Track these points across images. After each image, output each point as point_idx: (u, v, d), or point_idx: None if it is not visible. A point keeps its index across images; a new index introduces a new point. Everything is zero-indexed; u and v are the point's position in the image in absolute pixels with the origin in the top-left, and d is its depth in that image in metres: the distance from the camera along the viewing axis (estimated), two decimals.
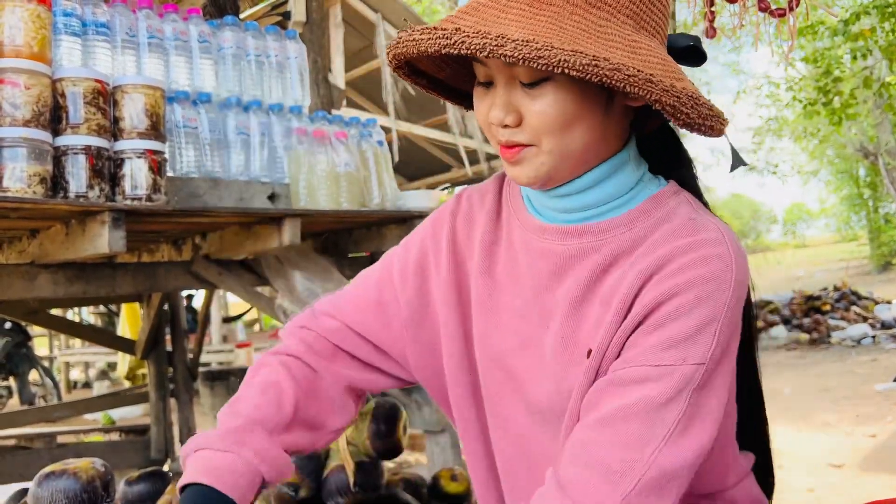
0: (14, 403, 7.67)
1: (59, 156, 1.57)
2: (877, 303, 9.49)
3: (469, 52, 0.69)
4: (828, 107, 7.05)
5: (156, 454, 3.64)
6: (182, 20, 1.99)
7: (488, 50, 0.67)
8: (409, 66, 0.84)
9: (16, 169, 1.49)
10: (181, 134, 1.89)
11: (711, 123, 0.74)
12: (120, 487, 1.26)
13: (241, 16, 4.16)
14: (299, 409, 0.90)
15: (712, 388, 0.75)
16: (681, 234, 0.77)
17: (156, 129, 1.70)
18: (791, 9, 1.38)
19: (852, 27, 5.97)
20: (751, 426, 0.95)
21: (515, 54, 0.66)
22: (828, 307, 9.20)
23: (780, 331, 8.90)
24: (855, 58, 6.32)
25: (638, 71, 0.68)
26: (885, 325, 8.57)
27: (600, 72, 0.66)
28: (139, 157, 1.66)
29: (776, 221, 46.95)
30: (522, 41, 0.67)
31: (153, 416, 3.66)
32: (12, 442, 4.02)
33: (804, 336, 8.63)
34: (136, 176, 1.66)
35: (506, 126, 0.77)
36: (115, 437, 4.71)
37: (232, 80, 2.08)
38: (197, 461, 0.81)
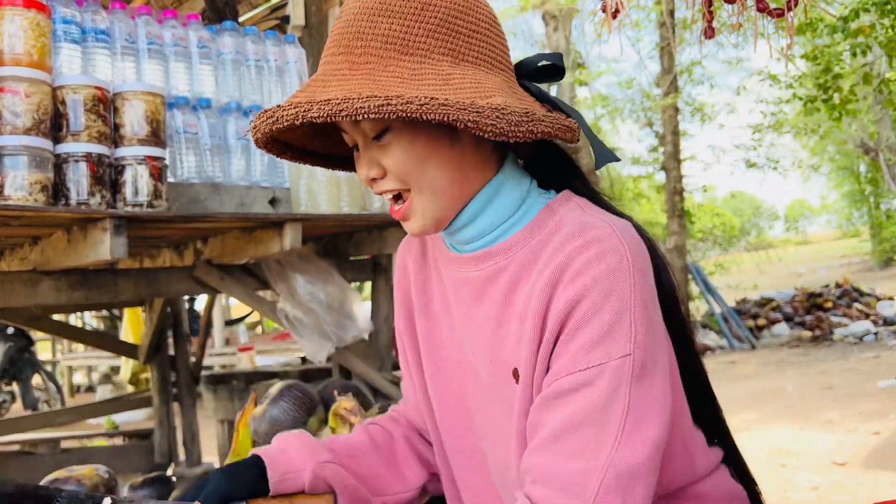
0: (17, 408, 7.67)
1: (60, 163, 1.58)
2: (879, 299, 9.48)
3: (287, 123, 0.74)
4: (827, 103, 7.04)
5: (159, 458, 3.64)
6: (181, 26, 1.99)
7: (300, 117, 0.73)
8: (296, 150, 0.91)
9: (17, 177, 1.49)
10: (181, 140, 1.89)
11: (532, 128, 0.75)
12: (124, 492, 1.27)
13: (240, 20, 4.16)
14: (363, 450, 1.01)
15: (651, 376, 0.75)
16: (573, 238, 0.79)
17: (156, 135, 1.71)
18: (789, 8, 1.38)
19: (852, 24, 5.96)
20: (703, 412, 0.95)
21: (321, 114, 0.71)
22: (830, 304, 9.19)
23: (782, 328, 8.90)
24: (854, 54, 6.30)
25: (431, 99, 0.71)
26: (887, 322, 8.56)
27: (394, 108, 0.70)
28: (140, 164, 1.67)
29: (778, 218, 46.92)
30: (325, 101, 0.72)
31: (156, 421, 3.66)
32: (16, 447, 4.03)
33: (806, 333, 8.63)
34: (137, 182, 1.66)
35: (374, 179, 0.84)
36: (118, 441, 4.72)
37: (232, 86, 2.08)
38: None
